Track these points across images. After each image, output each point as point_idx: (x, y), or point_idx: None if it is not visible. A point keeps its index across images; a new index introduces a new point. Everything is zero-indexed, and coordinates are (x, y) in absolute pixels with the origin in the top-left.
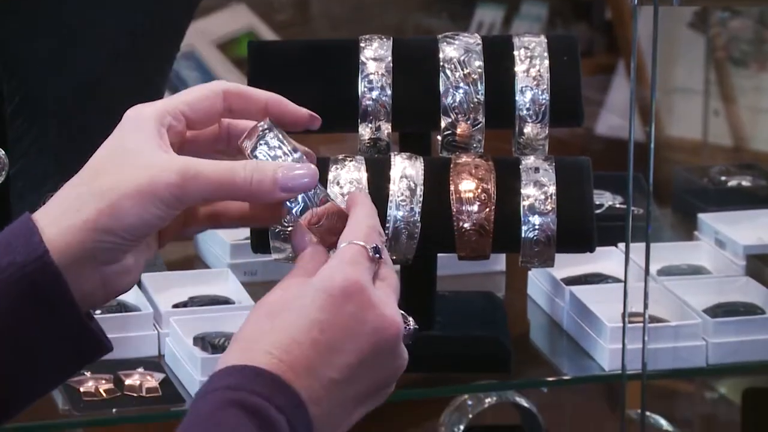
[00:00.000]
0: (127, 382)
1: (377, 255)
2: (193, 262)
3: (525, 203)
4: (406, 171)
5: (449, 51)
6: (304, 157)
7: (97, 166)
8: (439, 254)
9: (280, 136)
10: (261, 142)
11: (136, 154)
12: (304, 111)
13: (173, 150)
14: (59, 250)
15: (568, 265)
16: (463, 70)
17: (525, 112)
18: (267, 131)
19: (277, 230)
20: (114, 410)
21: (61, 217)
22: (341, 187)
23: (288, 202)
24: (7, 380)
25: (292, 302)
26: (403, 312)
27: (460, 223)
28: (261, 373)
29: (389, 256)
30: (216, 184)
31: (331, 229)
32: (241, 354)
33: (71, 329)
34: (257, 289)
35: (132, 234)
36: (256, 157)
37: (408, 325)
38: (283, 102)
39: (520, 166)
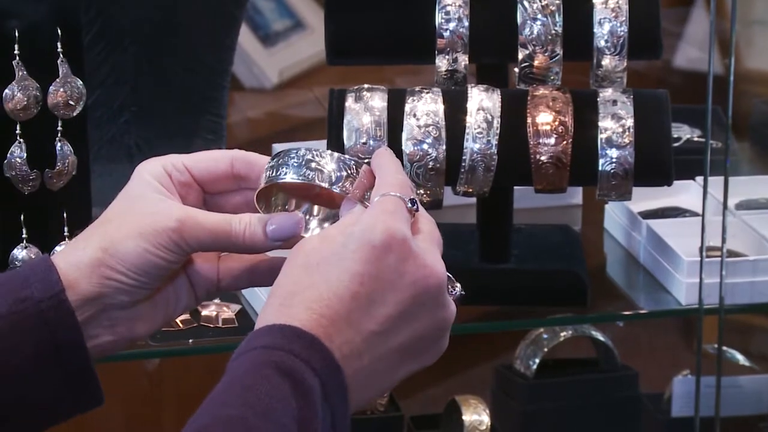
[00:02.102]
0: (204, 313)
1: (414, 207)
2: None
3: (602, 136)
4: (483, 103)
5: None
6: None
7: (107, 214)
8: (515, 187)
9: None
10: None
11: (141, 201)
12: None
13: (179, 198)
14: (69, 286)
15: (645, 198)
16: (541, 1)
17: (603, 44)
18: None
19: None
20: (190, 341)
21: (69, 256)
22: (417, 119)
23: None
24: None
25: (331, 254)
26: (450, 275)
27: (537, 156)
28: (300, 334)
29: (426, 212)
30: (212, 232)
31: (363, 189)
32: (280, 311)
33: (76, 371)
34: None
35: (135, 273)
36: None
37: (454, 288)
38: None
39: (598, 99)
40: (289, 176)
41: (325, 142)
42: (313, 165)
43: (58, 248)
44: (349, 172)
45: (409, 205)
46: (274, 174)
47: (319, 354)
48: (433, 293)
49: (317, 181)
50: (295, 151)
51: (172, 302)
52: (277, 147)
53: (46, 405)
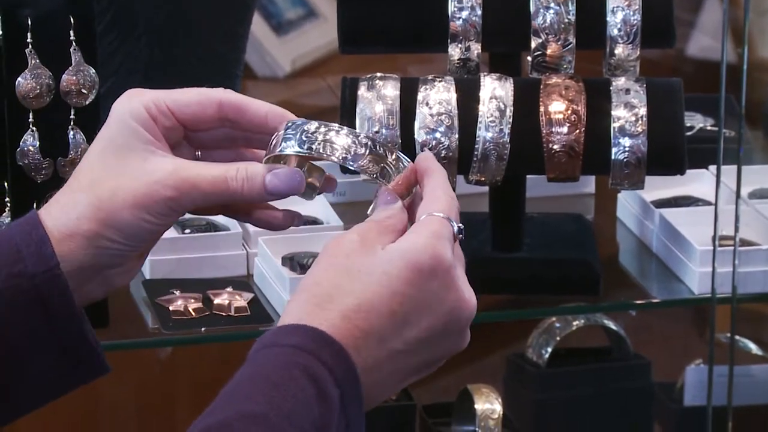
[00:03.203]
0: (216, 301)
1: (460, 235)
2: None
3: (615, 125)
4: (495, 92)
5: None
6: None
7: (94, 169)
8: (528, 176)
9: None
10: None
11: (131, 159)
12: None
13: (166, 142)
14: (62, 257)
15: (658, 187)
16: None
17: (616, 32)
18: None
19: None
20: (203, 329)
21: (62, 227)
22: (430, 108)
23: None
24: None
25: (375, 266)
26: (450, 219)
27: (550, 145)
28: (330, 341)
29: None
30: (210, 194)
31: (408, 186)
32: (315, 312)
33: (73, 344)
34: (345, 209)
35: (132, 241)
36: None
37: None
38: (285, 115)
39: (611, 88)
40: (294, 149)
41: None
42: (321, 138)
43: None
44: (372, 150)
45: (455, 230)
46: (282, 144)
47: (345, 365)
48: (462, 324)
49: (326, 156)
50: (306, 124)
51: (146, 251)
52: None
53: (46, 377)
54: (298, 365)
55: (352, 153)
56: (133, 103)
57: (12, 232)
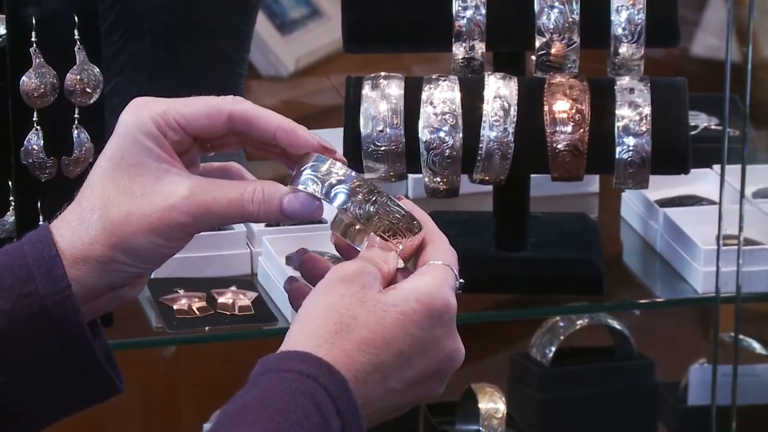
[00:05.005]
0: (220, 300)
1: (460, 290)
2: (286, 180)
3: (619, 124)
4: (499, 91)
5: None
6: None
7: (105, 189)
8: (532, 175)
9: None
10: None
11: (143, 178)
12: (316, 141)
13: (176, 156)
14: (75, 280)
15: (662, 186)
16: None
17: (620, 31)
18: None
19: (370, 149)
20: (207, 328)
21: (75, 251)
22: (434, 107)
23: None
24: (10, 408)
25: (392, 305)
26: (453, 270)
27: (554, 144)
28: (334, 372)
29: None
30: (226, 217)
31: (412, 253)
32: (334, 338)
33: (84, 364)
34: None
35: (146, 264)
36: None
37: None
38: (295, 131)
39: (615, 87)
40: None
41: (341, 130)
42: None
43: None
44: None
45: (457, 285)
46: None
47: (347, 395)
48: (450, 372)
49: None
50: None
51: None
52: None
53: (58, 396)
54: (305, 393)
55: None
56: (142, 118)
57: (24, 250)
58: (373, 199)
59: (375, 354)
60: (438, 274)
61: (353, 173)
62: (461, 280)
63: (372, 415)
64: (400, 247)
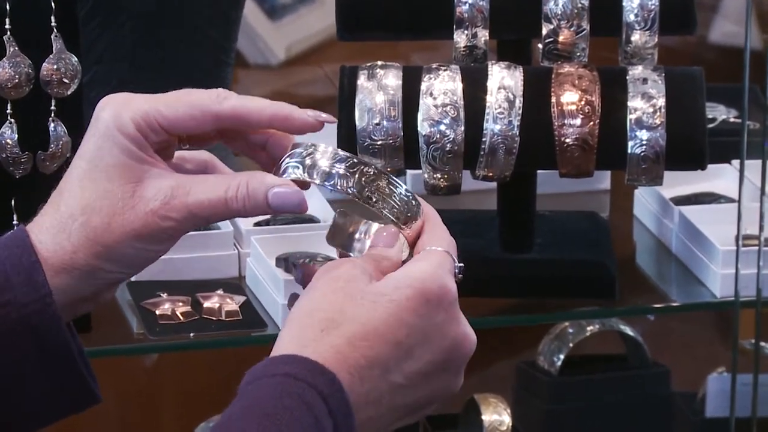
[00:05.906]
0: (206, 304)
1: (460, 274)
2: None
3: (632, 117)
4: (504, 81)
5: None
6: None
7: (84, 192)
8: (539, 171)
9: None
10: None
11: (123, 180)
12: (310, 116)
13: (157, 155)
14: (58, 289)
15: (677, 183)
16: None
17: (632, 18)
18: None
19: (366, 143)
20: (191, 334)
21: (57, 260)
22: (434, 98)
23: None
24: None
25: (382, 294)
26: (452, 256)
27: (562, 138)
28: (324, 371)
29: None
30: (210, 217)
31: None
32: (321, 336)
33: (63, 375)
34: (343, 207)
35: (132, 268)
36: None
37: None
38: (291, 115)
39: (627, 77)
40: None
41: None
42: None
43: None
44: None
45: (456, 270)
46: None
47: (338, 394)
48: (461, 361)
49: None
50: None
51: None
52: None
53: (38, 406)
54: (292, 394)
55: (333, 171)
56: (123, 119)
57: (1, 255)
58: (363, 170)
59: (368, 347)
60: (433, 258)
61: (337, 150)
62: (460, 264)
63: (383, 416)
64: (407, 231)
